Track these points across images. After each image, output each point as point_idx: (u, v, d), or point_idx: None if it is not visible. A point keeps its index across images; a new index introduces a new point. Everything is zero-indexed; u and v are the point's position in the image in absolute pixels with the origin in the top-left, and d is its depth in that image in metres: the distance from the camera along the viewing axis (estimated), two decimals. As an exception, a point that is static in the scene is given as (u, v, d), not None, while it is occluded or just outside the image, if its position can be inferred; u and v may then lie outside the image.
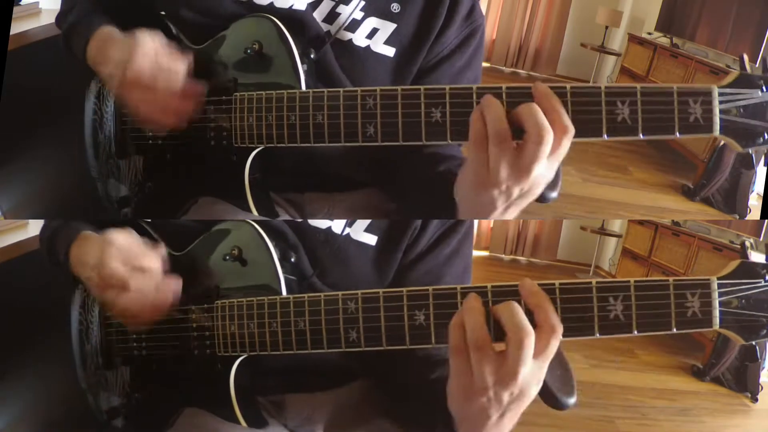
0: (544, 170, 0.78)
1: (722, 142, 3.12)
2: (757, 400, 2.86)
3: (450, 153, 1.02)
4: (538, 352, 0.75)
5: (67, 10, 1.06)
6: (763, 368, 2.89)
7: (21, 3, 1.54)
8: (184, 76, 0.93)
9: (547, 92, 0.78)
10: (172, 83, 0.92)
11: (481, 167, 0.79)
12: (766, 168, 3.02)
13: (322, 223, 1.00)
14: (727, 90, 0.79)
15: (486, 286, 0.77)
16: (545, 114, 0.77)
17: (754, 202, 3.10)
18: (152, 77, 0.91)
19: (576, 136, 0.80)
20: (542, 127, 0.76)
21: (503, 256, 3.87)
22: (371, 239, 1.01)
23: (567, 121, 0.77)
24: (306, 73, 0.93)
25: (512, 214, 0.84)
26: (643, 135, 0.79)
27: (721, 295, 0.75)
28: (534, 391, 0.77)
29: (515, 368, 0.74)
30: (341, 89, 0.89)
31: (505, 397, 0.76)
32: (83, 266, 0.95)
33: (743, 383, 2.89)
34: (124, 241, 0.92)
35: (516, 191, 0.80)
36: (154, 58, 0.91)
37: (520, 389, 0.76)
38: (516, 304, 0.75)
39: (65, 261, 0.99)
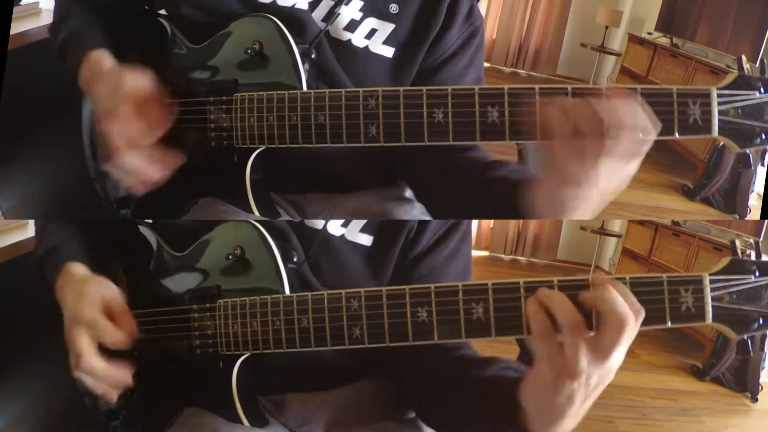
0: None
1: (722, 143, 3.12)
2: (757, 400, 2.86)
3: (482, 155, 1.02)
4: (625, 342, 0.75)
5: (60, 21, 1.06)
6: (763, 368, 2.89)
7: (21, 3, 1.54)
8: (158, 139, 0.93)
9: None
10: (151, 138, 0.93)
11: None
12: (766, 168, 3.02)
13: (318, 224, 1.00)
14: (726, 91, 0.80)
15: (552, 280, 0.77)
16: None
17: (754, 202, 3.10)
18: (128, 135, 0.92)
19: None
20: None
21: (503, 256, 3.87)
22: (367, 240, 1.01)
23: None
24: (307, 73, 0.93)
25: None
26: (642, 135, 0.79)
27: (713, 290, 0.77)
28: (613, 375, 0.77)
29: (610, 350, 0.74)
30: (343, 90, 0.88)
31: (594, 380, 0.75)
32: (63, 309, 0.96)
33: (743, 383, 2.89)
34: (90, 314, 0.92)
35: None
36: (134, 111, 0.91)
37: (607, 373, 0.76)
38: (612, 289, 0.75)
39: (53, 290, 0.99)
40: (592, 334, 0.75)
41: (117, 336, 0.92)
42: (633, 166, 0.79)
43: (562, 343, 0.75)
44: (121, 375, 0.93)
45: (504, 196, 0.91)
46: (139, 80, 0.93)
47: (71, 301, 0.93)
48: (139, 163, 0.92)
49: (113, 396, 0.94)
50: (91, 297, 0.93)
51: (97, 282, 0.95)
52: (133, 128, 0.92)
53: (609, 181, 0.80)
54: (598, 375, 0.75)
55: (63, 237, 1.04)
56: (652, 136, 0.78)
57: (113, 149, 0.92)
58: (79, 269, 0.97)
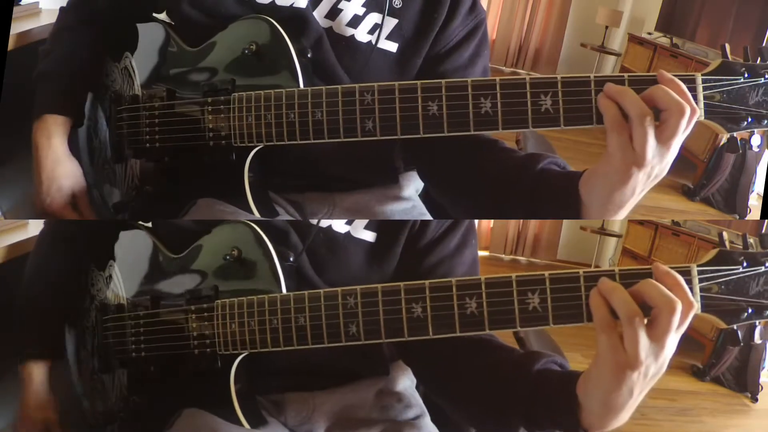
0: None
1: (722, 142, 3.11)
2: (757, 400, 2.86)
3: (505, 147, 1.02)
4: (678, 326, 0.77)
5: (47, 51, 1.11)
6: (763, 368, 2.89)
7: (21, 3, 1.54)
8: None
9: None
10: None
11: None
12: (766, 168, 3.02)
13: (322, 222, 1.00)
14: (711, 77, 0.83)
15: (614, 270, 0.79)
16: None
17: (754, 202, 3.09)
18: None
19: (567, 124, 0.84)
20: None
21: (503, 256, 3.87)
22: (371, 236, 1.01)
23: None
24: (303, 71, 0.94)
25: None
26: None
27: (701, 281, 0.79)
28: (666, 365, 0.79)
29: (665, 338, 0.76)
30: (339, 86, 0.90)
31: (651, 370, 0.78)
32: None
33: (743, 383, 2.89)
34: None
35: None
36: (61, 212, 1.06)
37: (663, 362, 0.78)
38: (656, 281, 0.77)
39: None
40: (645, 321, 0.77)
41: None
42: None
43: (622, 335, 0.76)
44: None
45: (555, 190, 0.92)
46: (69, 179, 1.05)
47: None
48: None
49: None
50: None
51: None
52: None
53: (661, 167, 0.83)
54: (655, 366, 0.78)
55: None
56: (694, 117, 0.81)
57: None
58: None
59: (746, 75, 0.83)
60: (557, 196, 0.91)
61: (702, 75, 0.83)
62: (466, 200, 1.04)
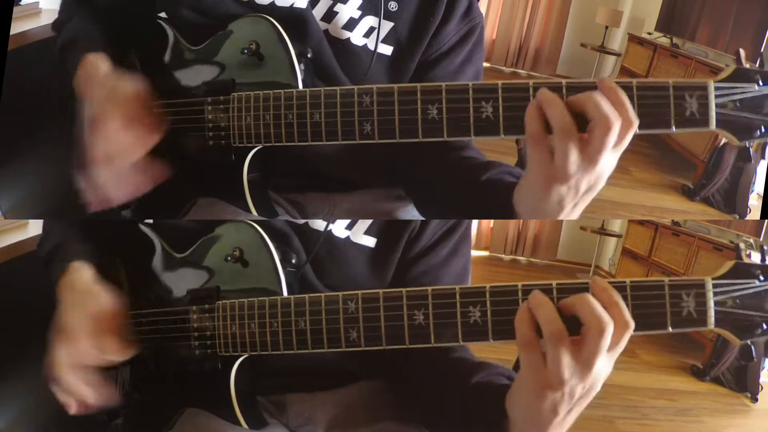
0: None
1: (722, 142, 3.11)
2: (757, 400, 2.86)
3: (474, 154, 1.02)
4: (611, 346, 0.74)
5: (64, 20, 1.06)
6: (763, 368, 2.89)
7: (21, 3, 1.54)
8: (146, 150, 0.93)
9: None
10: (131, 158, 0.92)
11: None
12: (766, 168, 3.02)
13: (322, 226, 1.00)
14: (723, 84, 0.79)
15: (551, 284, 0.76)
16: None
17: (754, 202, 3.10)
18: (110, 150, 0.92)
19: None
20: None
21: (503, 256, 3.87)
22: (371, 241, 1.01)
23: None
24: (303, 71, 0.93)
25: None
26: (639, 129, 0.79)
27: (715, 294, 0.76)
28: (599, 386, 0.76)
29: (592, 359, 0.73)
30: (338, 88, 0.89)
31: (578, 390, 0.75)
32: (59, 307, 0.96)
33: (743, 383, 2.89)
34: (78, 328, 0.91)
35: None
36: (121, 126, 0.91)
37: (592, 383, 0.75)
38: (592, 297, 0.74)
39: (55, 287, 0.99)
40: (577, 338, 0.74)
41: (95, 358, 0.92)
42: (611, 162, 0.78)
43: (545, 353, 0.74)
44: (87, 394, 0.93)
45: (498, 198, 0.91)
46: (132, 88, 0.93)
47: (67, 306, 0.93)
48: (107, 181, 0.93)
49: (72, 409, 0.94)
50: (85, 310, 0.92)
51: (96, 293, 0.94)
52: (118, 143, 0.91)
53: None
54: (582, 386, 0.75)
55: (69, 235, 1.04)
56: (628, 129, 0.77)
57: (91, 160, 0.92)
58: (82, 271, 0.97)
59: (761, 83, 0.79)
60: (493, 205, 0.91)
61: (715, 82, 0.79)
62: (420, 201, 1.05)
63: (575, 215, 0.81)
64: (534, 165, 0.79)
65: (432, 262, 1.03)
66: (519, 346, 0.75)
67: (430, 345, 0.81)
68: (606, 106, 0.75)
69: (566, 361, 0.73)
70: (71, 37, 1.03)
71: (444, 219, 1.04)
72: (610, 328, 0.72)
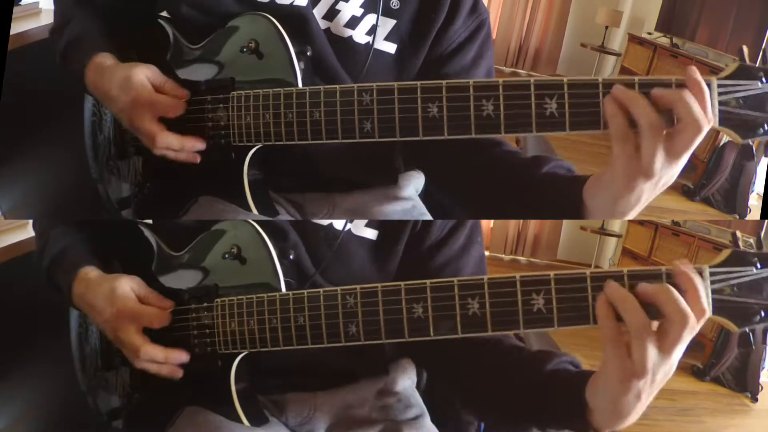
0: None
1: (723, 142, 3.10)
2: (757, 400, 2.86)
3: (512, 148, 1.01)
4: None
5: (62, 25, 1.06)
6: (763, 368, 2.89)
7: (21, 3, 1.54)
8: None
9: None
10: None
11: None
12: (766, 168, 3.02)
13: (324, 221, 1.00)
14: (727, 82, 0.79)
15: (622, 271, 0.77)
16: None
17: (754, 202, 3.10)
18: (156, 116, 0.95)
19: (573, 129, 0.81)
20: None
21: (503, 256, 3.87)
22: (372, 234, 1.01)
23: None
24: (303, 70, 0.93)
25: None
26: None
27: (713, 282, 0.76)
28: (674, 371, 0.78)
29: (674, 348, 0.75)
30: (338, 86, 0.89)
31: (659, 376, 0.77)
32: (92, 314, 0.99)
33: (743, 383, 2.89)
34: (130, 307, 0.95)
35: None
36: (152, 103, 0.95)
37: (670, 368, 0.77)
38: (671, 287, 0.75)
39: (68, 296, 1.01)
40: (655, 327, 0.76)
41: (160, 317, 0.95)
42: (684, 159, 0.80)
43: (630, 344, 0.75)
44: (178, 353, 0.95)
45: (565, 193, 0.91)
46: (147, 71, 0.95)
47: (103, 301, 0.95)
48: (179, 137, 0.95)
49: (178, 372, 0.95)
50: (123, 291, 0.95)
51: (118, 277, 0.97)
52: (158, 107, 0.94)
53: (668, 175, 0.81)
54: (663, 371, 0.77)
55: (68, 242, 1.05)
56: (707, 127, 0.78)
57: (151, 136, 0.94)
58: (93, 273, 0.99)
59: (764, 80, 0.79)
60: (561, 200, 0.90)
61: (718, 80, 0.79)
62: (469, 200, 1.04)
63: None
64: (619, 161, 0.80)
65: (450, 254, 1.03)
66: (605, 339, 0.77)
67: (429, 338, 0.82)
68: (697, 108, 0.77)
69: (651, 353, 0.75)
70: (74, 40, 1.03)
71: (498, 219, 1.04)
72: (692, 321, 0.74)
